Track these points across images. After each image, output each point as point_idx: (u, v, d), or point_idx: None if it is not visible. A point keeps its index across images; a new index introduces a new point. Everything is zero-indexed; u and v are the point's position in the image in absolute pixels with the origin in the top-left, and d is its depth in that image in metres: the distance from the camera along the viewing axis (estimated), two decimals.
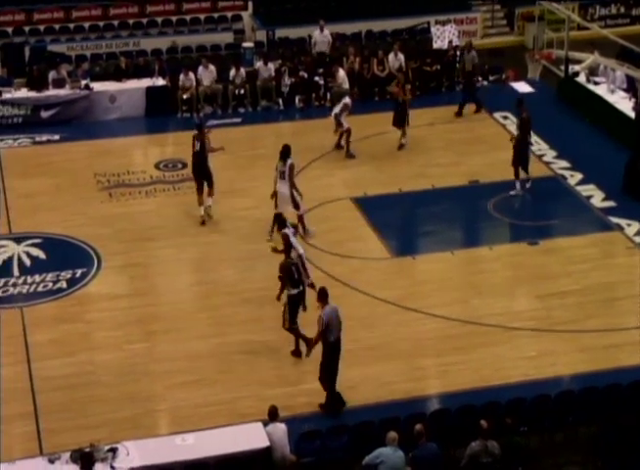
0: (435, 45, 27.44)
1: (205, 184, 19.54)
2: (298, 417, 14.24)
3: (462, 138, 23.18)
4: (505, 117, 24.13)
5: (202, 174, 19.54)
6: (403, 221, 20.24)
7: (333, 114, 22.28)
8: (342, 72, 24.88)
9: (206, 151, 19.46)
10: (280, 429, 13.18)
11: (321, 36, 26.78)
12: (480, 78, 26.41)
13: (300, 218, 18.93)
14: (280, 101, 25.19)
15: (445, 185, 20.98)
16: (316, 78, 25.76)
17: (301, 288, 15.71)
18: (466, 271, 18.24)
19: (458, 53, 26.31)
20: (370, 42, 28.34)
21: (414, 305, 16.96)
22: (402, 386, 15.01)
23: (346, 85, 24.81)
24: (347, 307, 16.71)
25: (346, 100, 22.22)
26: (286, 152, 18.77)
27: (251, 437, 13.23)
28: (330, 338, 14.33)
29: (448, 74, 26.46)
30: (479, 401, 13.93)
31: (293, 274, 15.63)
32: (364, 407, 14.50)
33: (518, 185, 20.51)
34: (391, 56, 25.95)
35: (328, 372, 14.45)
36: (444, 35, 27.48)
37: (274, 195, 18.85)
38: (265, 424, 13.24)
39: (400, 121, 22.56)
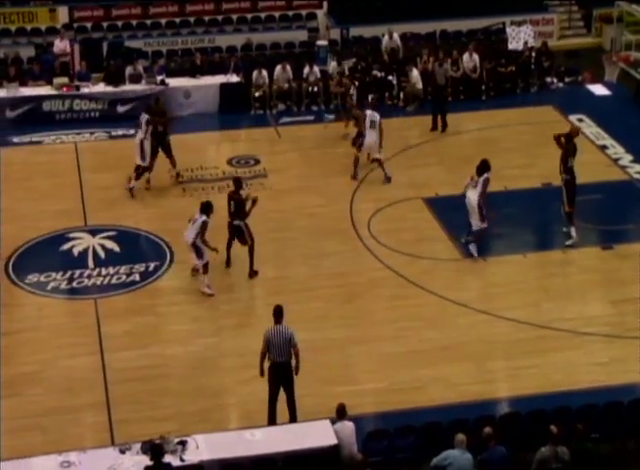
0: (511, 46, 27.19)
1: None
2: (366, 416, 14.24)
3: (536, 140, 22.93)
4: (580, 120, 23.84)
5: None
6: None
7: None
8: (415, 72, 24.83)
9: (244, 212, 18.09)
10: (348, 427, 13.17)
11: (390, 43, 26.71)
12: (555, 80, 26.19)
13: (478, 233, 18.46)
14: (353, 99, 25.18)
15: (518, 187, 20.80)
16: (390, 78, 25.73)
17: None
18: (538, 274, 18.05)
19: (534, 54, 26.08)
20: (444, 42, 28.21)
21: (485, 307, 16.85)
22: (471, 388, 14.92)
23: (420, 85, 24.78)
24: (417, 308, 16.86)
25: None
26: (484, 167, 18.38)
27: (318, 434, 13.21)
28: (269, 358, 13.92)
29: (523, 76, 26.23)
30: (549, 406, 13.77)
31: None
32: (432, 408, 14.44)
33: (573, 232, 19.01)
34: (466, 56, 25.79)
35: (269, 395, 14.08)
36: (520, 36, 27.22)
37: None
38: (333, 422, 13.22)
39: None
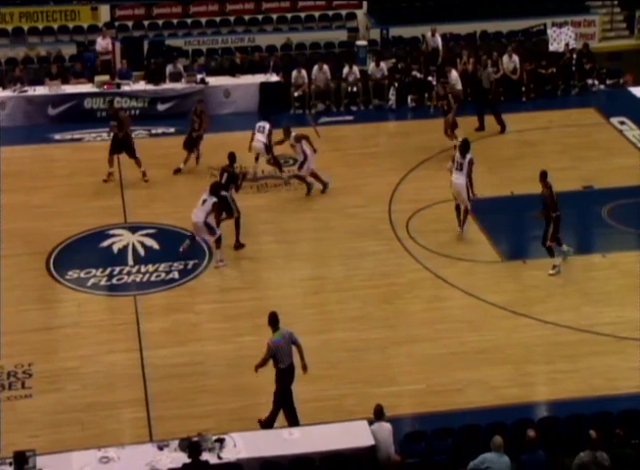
0: (551, 47, 27.03)
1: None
2: (404, 417, 14.22)
3: (577, 142, 22.80)
4: (622, 123, 23.66)
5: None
6: (514, 225, 19.97)
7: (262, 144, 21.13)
8: (454, 73, 24.75)
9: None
10: (385, 428, 13.15)
11: (432, 41, 26.65)
12: (596, 82, 26.02)
13: (466, 213, 18.94)
14: (392, 99, 25.16)
15: (559, 190, 20.56)
16: (429, 78, 25.67)
17: None
18: (578, 278, 17.91)
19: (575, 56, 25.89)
20: (484, 43, 28.10)
21: (524, 310, 16.76)
22: (510, 391, 14.85)
23: (459, 86, 24.67)
24: (456, 310, 16.80)
25: (268, 125, 21.12)
26: (465, 147, 18.93)
27: (356, 434, 13.20)
28: (280, 365, 13.93)
29: (564, 78, 26.06)
30: (588, 411, 13.68)
31: None
32: (470, 411, 14.39)
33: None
34: (506, 57, 25.68)
35: (285, 399, 14.04)
36: (561, 38, 27.04)
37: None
38: (371, 423, 13.21)
39: None
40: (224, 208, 18.51)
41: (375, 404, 13.18)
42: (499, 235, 19.20)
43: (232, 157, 19.13)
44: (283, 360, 13.87)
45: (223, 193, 18.42)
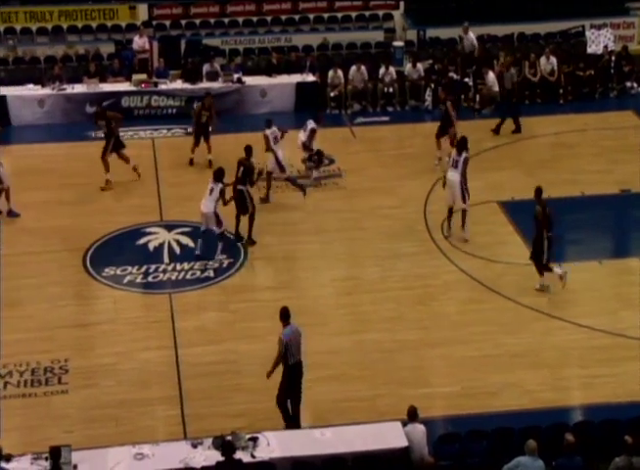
0: (590, 49, 26.84)
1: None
2: (438, 419, 14.21)
3: (614, 145, 22.64)
4: None
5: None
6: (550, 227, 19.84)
7: (300, 142, 21.31)
8: (491, 75, 24.67)
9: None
10: (419, 430, 13.13)
11: (466, 39, 26.60)
12: (635, 85, 25.82)
13: (464, 215, 18.93)
14: (429, 100, 25.13)
15: (595, 193, 20.54)
16: (466, 80, 25.61)
17: None
18: (614, 282, 17.80)
19: (613, 58, 25.71)
20: (522, 45, 27.96)
21: (560, 313, 16.67)
22: (545, 395, 14.79)
23: (496, 88, 24.60)
24: (491, 312, 16.74)
25: (312, 125, 21.27)
26: (462, 144, 18.98)
27: (389, 436, 13.20)
28: (290, 360, 13.85)
29: (602, 80, 25.88)
30: (623, 416, 13.57)
31: None
32: (505, 414, 14.34)
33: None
34: (543, 59, 25.58)
35: (285, 396, 14.00)
36: (599, 40, 26.85)
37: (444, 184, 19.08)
38: (404, 424, 13.20)
39: None
40: (239, 202, 18.59)
41: (408, 406, 13.17)
42: None
43: (249, 150, 19.06)
44: (293, 355, 13.86)
45: (240, 187, 18.57)
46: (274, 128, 20.55)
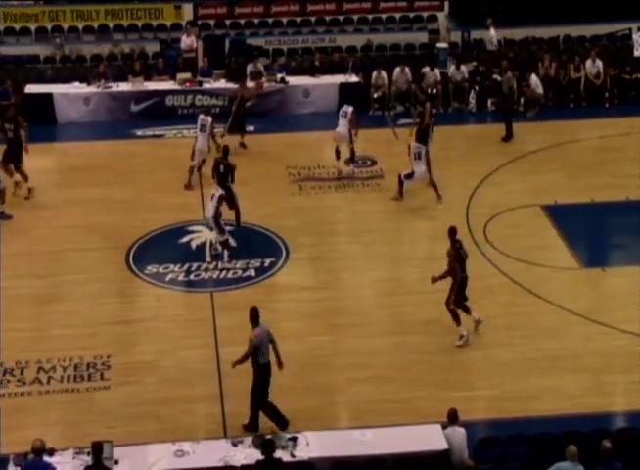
0: (637, 53, 26.62)
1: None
2: (478, 422, 14.14)
3: None
4: None
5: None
6: (594, 232, 19.75)
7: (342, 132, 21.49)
8: (534, 77, 24.55)
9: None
10: (459, 433, 13.07)
11: (488, 35, 26.53)
12: None
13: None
14: (472, 102, 25.04)
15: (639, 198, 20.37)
16: None
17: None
18: None
19: None
20: (567, 47, 27.77)
21: (602, 318, 16.53)
22: (587, 400, 14.66)
23: (540, 90, 24.47)
24: (533, 316, 16.64)
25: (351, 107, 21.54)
26: (424, 135, 19.86)
27: (429, 438, 13.15)
28: (260, 360, 13.83)
29: None
30: None
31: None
32: (545, 418, 14.23)
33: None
34: (589, 62, 25.40)
35: (263, 397, 13.98)
36: None
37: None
38: (444, 426, 13.16)
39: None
40: (229, 199, 18.79)
41: (449, 408, 13.11)
42: (578, 242, 18.96)
43: (226, 149, 19.40)
44: (264, 355, 13.88)
45: (228, 184, 18.83)
46: None
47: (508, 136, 23.10)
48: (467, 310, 16.02)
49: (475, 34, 28.11)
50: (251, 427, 13.96)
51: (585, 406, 14.52)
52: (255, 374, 13.96)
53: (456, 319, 15.94)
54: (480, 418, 14.38)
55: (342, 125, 21.34)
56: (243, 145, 22.59)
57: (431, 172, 20.10)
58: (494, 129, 23.82)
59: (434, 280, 15.91)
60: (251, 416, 14.03)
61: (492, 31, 26.46)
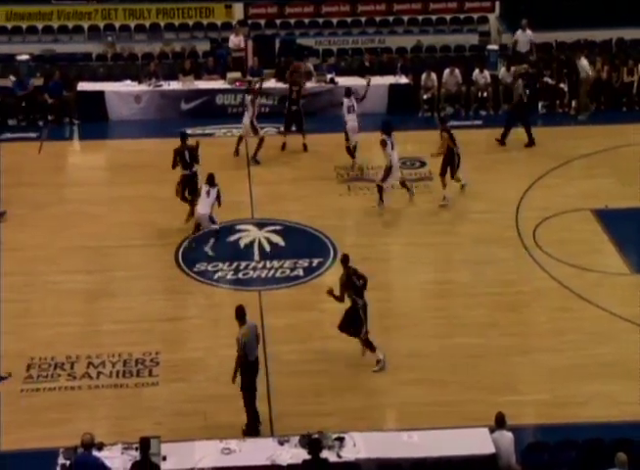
0: None
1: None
2: (526, 427, 14.04)
3: None
4: None
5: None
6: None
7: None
8: (584, 61, 24.32)
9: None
10: (507, 437, 12.99)
11: (523, 36, 26.31)
12: None
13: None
14: None
15: None
16: (561, 85, 25.27)
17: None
18: None
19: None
20: (620, 50, 27.48)
21: None
22: (636, 407, 14.48)
23: (591, 73, 24.16)
24: (583, 321, 16.50)
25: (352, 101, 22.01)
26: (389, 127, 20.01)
27: (476, 442, 13.08)
28: (249, 357, 13.81)
29: None
30: None
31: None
32: (594, 425, 14.09)
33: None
34: None
35: (252, 394, 13.92)
36: None
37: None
38: (492, 430, 13.08)
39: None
40: (191, 184, 19.19)
41: (496, 412, 13.03)
42: (629, 247, 18.75)
43: (183, 134, 19.85)
44: (252, 353, 13.85)
45: (194, 169, 19.25)
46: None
47: (502, 141, 22.98)
48: (372, 347, 15.26)
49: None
50: (251, 429, 13.88)
51: (634, 414, 14.32)
52: (244, 372, 13.90)
53: (370, 347, 15.34)
54: (529, 423, 14.28)
55: (353, 120, 21.51)
56: (304, 147, 22.66)
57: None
58: (544, 132, 23.63)
59: (329, 293, 15.27)
60: (249, 418, 13.95)
61: (528, 32, 26.27)
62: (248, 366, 13.91)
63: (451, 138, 20.19)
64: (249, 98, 22.30)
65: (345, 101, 22.05)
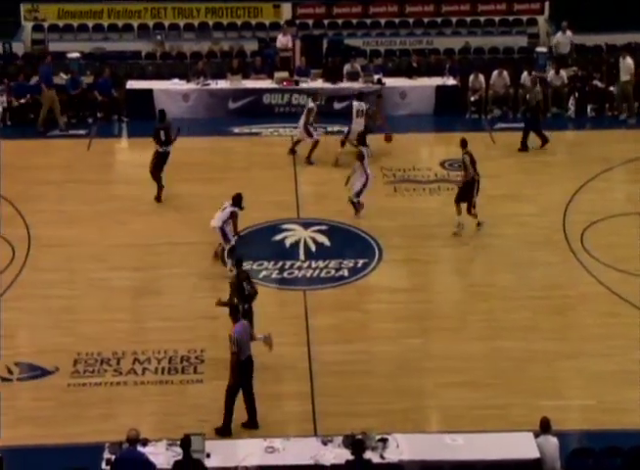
0: None
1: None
2: (571, 433, 13.92)
3: None
4: None
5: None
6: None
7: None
8: (629, 59, 24.02)
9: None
10: (552, 442, 12.89)
11: (563, 37, 26.14)
12: None
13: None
14: (572, 108, 24.69)
15: None
16: (611, 88, 25.03)
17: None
18: None
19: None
20: None
21: None
22: None
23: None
24: (631, 327, 16.33)
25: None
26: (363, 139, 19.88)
27: (521, 446, 13.00)
28: (241, 356, 13.75)
29: None
30: None
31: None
32: None
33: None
34: None
35: (233, 393, 13.87)
36: None
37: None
38: (536, 435, 12.98)
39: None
40: (161, 162, 20.08)
41: (541, 417, 12.94)
42: None
43: (162, 112, 20.81)
44: (243, 352, 13.80)
45: (170, 148, 20.14)
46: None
47: (544, 142, 22.69)
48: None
49: (575, 39, 27.54)
50: (224, 430, 13.85)
51: None
52: (235, 370, 13.89)
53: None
54: (574, 428, 14.15)
55: (359, 124, 21.46)
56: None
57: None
58: (593, 135, 23.50)
59: (218, 303, 15.17)
60: (225, 418, 13.93)
61: (568, 33, 26.06)
62: (239, 365, 13.90)
63: (472, 163, 19.00)
64: (311, 105, 22.14)
65: (355, 104, 22.03)
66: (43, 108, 23.85)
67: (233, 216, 17.66)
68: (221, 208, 17.84)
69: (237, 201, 17.75)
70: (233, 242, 17.79)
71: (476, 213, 19.10)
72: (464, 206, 19.01)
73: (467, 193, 18.91)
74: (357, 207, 19.72)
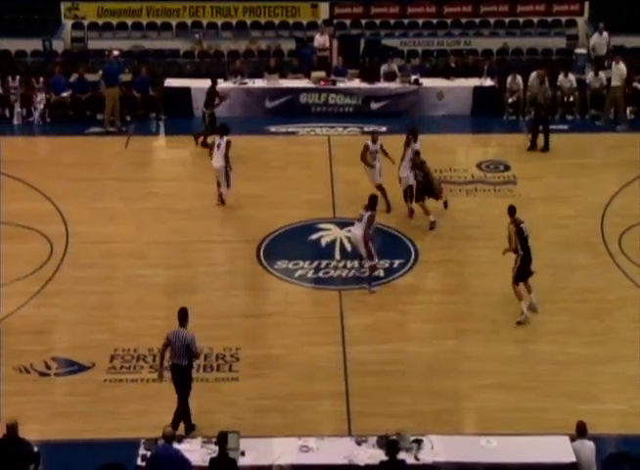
0: None
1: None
2: (607, 437, 13.81)
3: None
4: None
5: None
6: None
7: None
8: None
9: None
10: (588, 446, 12.78)
11: (600, 39, 25.97)
12: None
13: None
14: (611, 111, 24.52)
15: None
16: None
17: None
18: None
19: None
20: None
21: None
22: None
23: None
24: None
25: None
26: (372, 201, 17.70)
27: (556, 449, 12.91)
28: (172, 360, 13.73)
29: None
30: None
31: None
32: None
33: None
34: None
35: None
36: None
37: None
38: (572, 439, 12.89)
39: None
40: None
41: (577, 421, 12.83)
42: None
43: (214, 80, 22.71)
44: (172, 356, 13.70)
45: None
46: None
47: (545, 147, 22.58)
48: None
49: (615, 40, 27.34)
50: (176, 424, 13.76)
51: None
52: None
53: None
54: (610, 433, 14.04)
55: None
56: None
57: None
58: (632, 138, 23.25)
59: None
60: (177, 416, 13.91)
61: (605, 34, 25.85)
62: (172, 368, 13.82)
63: (520, 235, 16.54)
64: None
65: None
66: (106, 108, 23.87)
67: (229, 146, 19.63)
68: (216, 145, 19.49)
69: (224, 130, 19.87)
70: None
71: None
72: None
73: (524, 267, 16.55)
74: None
